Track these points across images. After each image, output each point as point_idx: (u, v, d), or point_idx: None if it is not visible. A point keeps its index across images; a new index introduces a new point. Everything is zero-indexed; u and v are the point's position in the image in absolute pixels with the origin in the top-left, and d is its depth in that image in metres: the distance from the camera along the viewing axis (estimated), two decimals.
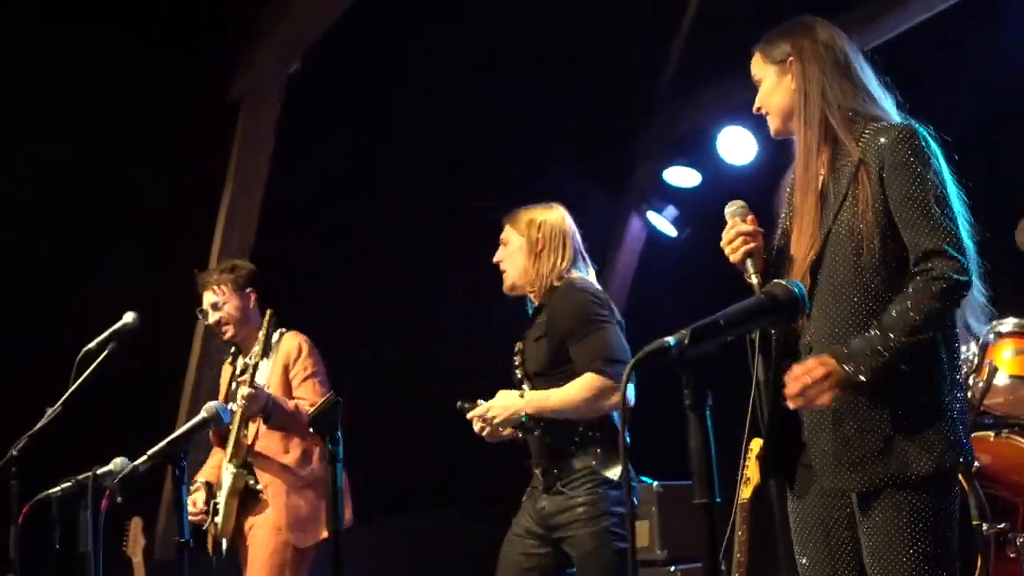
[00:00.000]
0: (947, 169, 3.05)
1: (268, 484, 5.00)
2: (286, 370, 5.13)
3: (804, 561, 3.10)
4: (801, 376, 2.88)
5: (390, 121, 7.28)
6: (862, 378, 2.85)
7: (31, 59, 6.23)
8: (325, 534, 4.93)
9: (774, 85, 3.18)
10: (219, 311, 5.16)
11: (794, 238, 3.11)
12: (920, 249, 2.91)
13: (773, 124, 3.20)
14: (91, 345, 4.70)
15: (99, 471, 3.86)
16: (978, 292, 3.06)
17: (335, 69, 6.91)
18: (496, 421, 4.23)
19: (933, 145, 3.03)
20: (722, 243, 3.15)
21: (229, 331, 5.19)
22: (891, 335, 2.84)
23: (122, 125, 6.48)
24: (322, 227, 7.25)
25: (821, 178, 3.06)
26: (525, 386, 4.36)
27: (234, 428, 4.95)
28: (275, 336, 5.18)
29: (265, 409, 4.88)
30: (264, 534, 4.98)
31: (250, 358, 5.04)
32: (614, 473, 4.17)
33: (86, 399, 4.59)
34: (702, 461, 2.08)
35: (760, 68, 3.23)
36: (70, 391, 4.61)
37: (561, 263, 4.37)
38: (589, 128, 7.92)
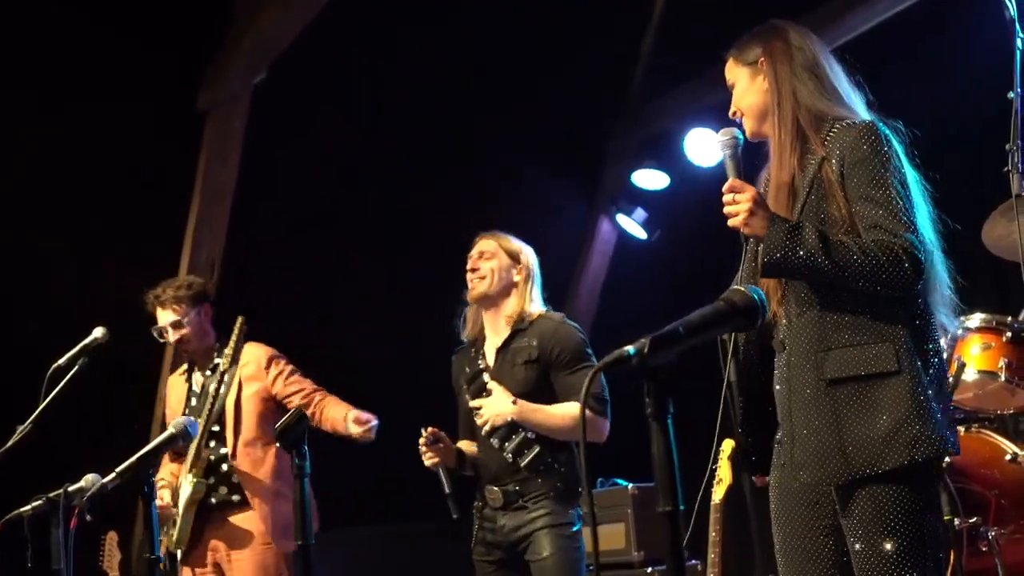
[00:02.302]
0: (909, 165, 3.08)
1: (252, 496, 5.02)
2: (253, 380, 5.13)
3: (783, 559, 3.12)
4: (731, 194, 2.98)
5: (359, 128, 7.27)
6: (773, 258, 2.91)
7: None
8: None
9: (747, 86, 3.21)
10: (182, 329, 5.14)
11: None
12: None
13: (748, 126, 3.21)
14: (61, 361, 4.66)
15: (70, 488, 3.83)
16: (947, 288, 3.10)
17: (301, 79, 6.90)
18: (487, 422, 4.34)
19: (895, 142, 3.06)
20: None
21: (190, 347, 5.20)
22: (826, 260, 2.88)
23: (88, 136, 6.45)
24: (292, 234, 7.23)
25: (792, 176, 3.09)
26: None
27: (195, 442, 4.94)
28: (229, 348, 5.14)
29: None
30: (252, 550, 5.01)
31: (219, 365, 5.05)
32: (569, 509, 4.32)
33: (58, 415, 4.56)
34: (665, 469, 2.08)
35: (733, 72, 3.26)
36: (41, 408, 4.58)
37: (537, 296, 4.54)
38: (558, 132, 7.93)
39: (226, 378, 5.03)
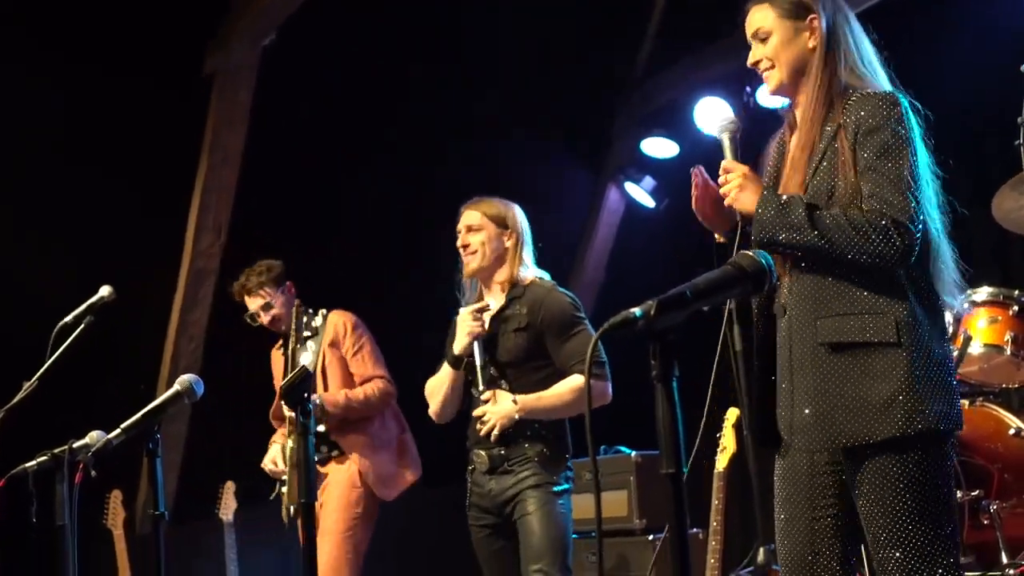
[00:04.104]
0: (922, 142, 3.05)
1: (350, 447, 5.42)
2: (335, 347, 5.52)
3: (783, 527, 3.11)
4: (726, 174, 3.05)
5: (367, 93, 7.25)
6: (763, 237, 2.96)
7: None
8: (408, 482, 5.55)
9: (789, 39, 3.11)
10: (272, 311, 5.56)
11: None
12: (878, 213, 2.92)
13: (778, 77, 3.13)
14: (67, 319, 4.67)
15: (75, 445, 3.84)
16: (953, 273, 3.08)
17: (309, 43, 6.87)
18: (492, 426, 4.34)
19: (912, 116, 3.03)
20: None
21: (279, 326, 5.58)
22: (815, 235, 2.90)
23: (95, 101, 6.44)
24: (299, 200, 7.22)
25: (814, 142, 3.06)
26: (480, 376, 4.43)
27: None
28: (318, 319, 5.32)
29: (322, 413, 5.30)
30: (340, 491, 5.42)
31: (289, 346, 5.29)
32: (554, 476, 4.34)
33: (67, 371, 4.57)
34: (669, 432, 2.08)
35: (769, 20, 3.13)
36: (46, 365, 4.59)
37: (528, 259, 4.56)
38: (567, 100, 7.90)
39: (309, 344, 5.26)
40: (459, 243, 4.57)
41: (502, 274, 4.53)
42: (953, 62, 6.00)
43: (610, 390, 4.45)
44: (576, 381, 4.36)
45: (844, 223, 2.91)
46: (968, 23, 6.04)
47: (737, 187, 3.02)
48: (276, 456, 5.47)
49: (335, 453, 5.45)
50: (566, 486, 4.38)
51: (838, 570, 3.04)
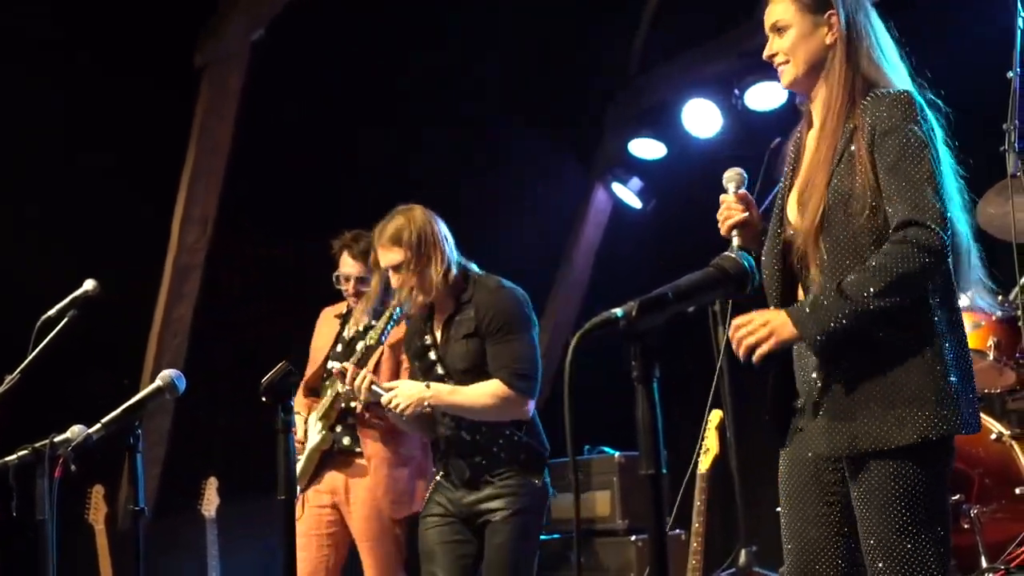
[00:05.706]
0: (943, 142, 3.01)
1: (371, 456, 5.14)
2: (396, 349, 5.19)
3: (787, 524, 3.10)
4: (742, 328, 2.93)
5: (357, 87, 7.24)
6: (818, 338, 2.86)
7: None
8: (417, 508, 5.10)
9: (807, 34, 3.07)
10: (364, 287, 5.19)
11: (797, 197, 3.07)
12: (899, 218, 2.87)
13: (793, 73, 3.10)
14: (51, 312, 4.65)
15: (56, 439, 3.83)
16: (980, 271, 3.08)
17: (300, 36, 6.86)
18: (401, 409, 4.26)
19: (929, 114, 2.99)
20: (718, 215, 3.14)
21: (354, 301, 5.28)
22: (849, 300, 2.82)
23: (84, 91, 6.42)
24: (287, 192, 7.21)
25: (834, 142, 3.01)
26: (448, 383, 4.35)
27: (331, 390, 5.09)
28: (394, 311, 5.23)
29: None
30: (367, 498, 5.12)
31: (361, 330, 5.13)
32: (536, 479, 4.26)
33: (50, 365, 4.55)
34: (649, 433, 2.09)
35: (789, 13, 3.09)
36: (29, 359, 4.57)
37: (447, 256, 4.33)
38: (556, 100, 7.90)
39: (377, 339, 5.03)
40: (394, 285, 4.40)
41: (439, 289, 4.32)
42: (952, 63, 6.01)
43: (530, 406, 4.25)
44: (494, 387, 4.21)
45: (869, 276, 2.84)
46: (964, 23, 6.04)
47: (765, 337, 2.91)
48: (298, 428, 5.20)
49: (358, 450, 5.19)
50: (544, 505, 4.28)
51: (843, 567, 3.02)
